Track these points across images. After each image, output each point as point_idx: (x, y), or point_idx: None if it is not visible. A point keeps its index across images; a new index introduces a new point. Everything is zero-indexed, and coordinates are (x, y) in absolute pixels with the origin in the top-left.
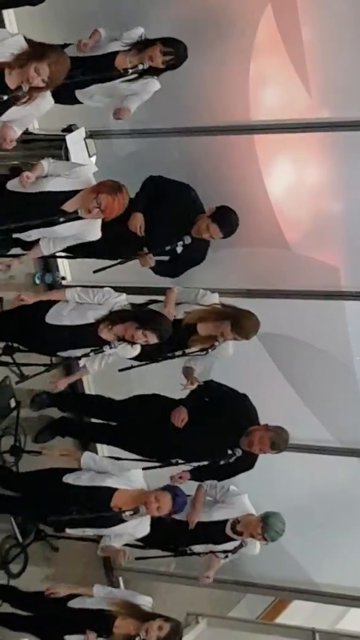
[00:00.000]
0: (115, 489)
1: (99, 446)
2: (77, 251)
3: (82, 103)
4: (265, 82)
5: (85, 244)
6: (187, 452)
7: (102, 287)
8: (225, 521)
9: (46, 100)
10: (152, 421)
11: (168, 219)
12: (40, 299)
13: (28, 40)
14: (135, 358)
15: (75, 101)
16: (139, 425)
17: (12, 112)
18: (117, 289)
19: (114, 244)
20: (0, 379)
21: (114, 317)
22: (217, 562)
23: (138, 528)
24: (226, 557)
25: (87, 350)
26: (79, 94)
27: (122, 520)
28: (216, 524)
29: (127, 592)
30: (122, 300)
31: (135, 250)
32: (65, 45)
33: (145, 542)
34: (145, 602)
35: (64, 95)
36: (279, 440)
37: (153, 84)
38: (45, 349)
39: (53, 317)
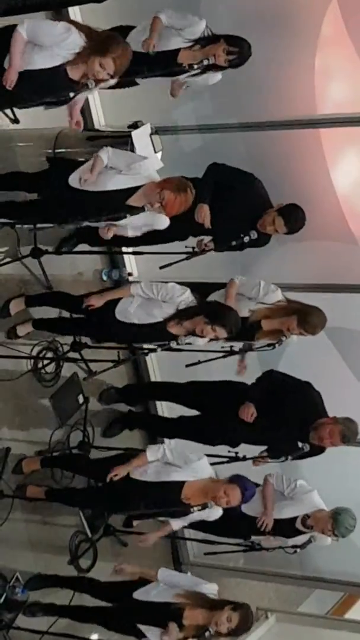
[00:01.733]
0: (183, 482)
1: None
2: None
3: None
4: (331, 75)
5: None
6: (256, 443)
7: (167, 282)
8: (294, 518)
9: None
10: (221, 411)
11: (235, 214)
12: (107, 299)
13: (86, 32)
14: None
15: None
16: (207, 417)
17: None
18: (182, 284)
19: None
20: (68, 375)
21: (182, 315)
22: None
23: (209, 513)
24: (295, 552)
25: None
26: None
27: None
28: (285, 521)
29: (191, 578)
30: (187, 297)
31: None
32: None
33: (215, 531)
34: (211, 590)
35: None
36: (348, 433)
37: (214, 76)
38: (115, 341)
39: (121, 314)
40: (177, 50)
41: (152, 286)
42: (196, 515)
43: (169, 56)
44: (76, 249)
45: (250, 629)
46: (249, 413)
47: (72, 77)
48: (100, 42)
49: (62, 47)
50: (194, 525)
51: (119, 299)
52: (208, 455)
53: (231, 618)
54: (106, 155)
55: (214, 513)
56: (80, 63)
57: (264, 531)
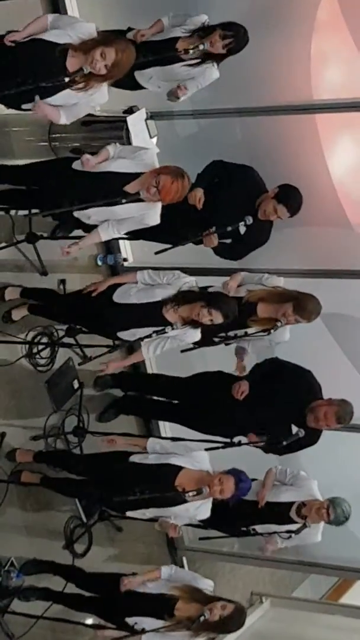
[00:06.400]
0: (180, 468)
1: (161, 424)
2: (139, 235)
3: (142, 88)
4: (327, 60)
5: (147, 228)
6: (250, 429)
7: (166, 268)
8: (291, 503)
9: (100, 93)
10: (216, 398)
11: (231, 200)
12: (113, 283)
13: (99, 32)
14: (197, 342)
15: (136, 87)
16: (202, 403)
17: (64, 96)
18: (179, 270)
19: (177, 227)
20: (63, 361)
21: (181, 297)
22: (274, 544)
23: (200, 510)
24: (289, 537)
25: (149, 331)
26: (137, 75)
27: (184, 501)
28: (281, 505)
29: (189, 573)
30: (191, 282)
31: (198, 231)
32: (129, 30)
33: (208, 524)
34: (207, 585)
35: (125, 79)
36: (343, 414)
37: (211, 72)
38: (108, 330)
39: (120, 296)
40: (176, 39)
41: (159, 272)
42: (186, 510)
43: (166, 43)
44: (71, 235)
45: (240, 629)
46: (240, 390)
47: (68, 65)
48: (107, 36)
49: (75, 29)
50: None
51: (118, 285)
52: (203, 441)
53: (226, 606)
54: (113, 148)
55: (203, 511)
56: (83, 52)
57: (255, 518)
